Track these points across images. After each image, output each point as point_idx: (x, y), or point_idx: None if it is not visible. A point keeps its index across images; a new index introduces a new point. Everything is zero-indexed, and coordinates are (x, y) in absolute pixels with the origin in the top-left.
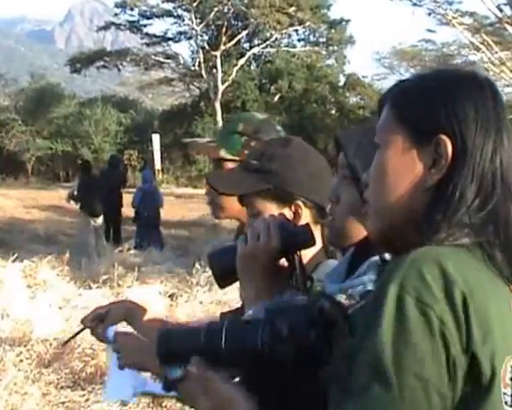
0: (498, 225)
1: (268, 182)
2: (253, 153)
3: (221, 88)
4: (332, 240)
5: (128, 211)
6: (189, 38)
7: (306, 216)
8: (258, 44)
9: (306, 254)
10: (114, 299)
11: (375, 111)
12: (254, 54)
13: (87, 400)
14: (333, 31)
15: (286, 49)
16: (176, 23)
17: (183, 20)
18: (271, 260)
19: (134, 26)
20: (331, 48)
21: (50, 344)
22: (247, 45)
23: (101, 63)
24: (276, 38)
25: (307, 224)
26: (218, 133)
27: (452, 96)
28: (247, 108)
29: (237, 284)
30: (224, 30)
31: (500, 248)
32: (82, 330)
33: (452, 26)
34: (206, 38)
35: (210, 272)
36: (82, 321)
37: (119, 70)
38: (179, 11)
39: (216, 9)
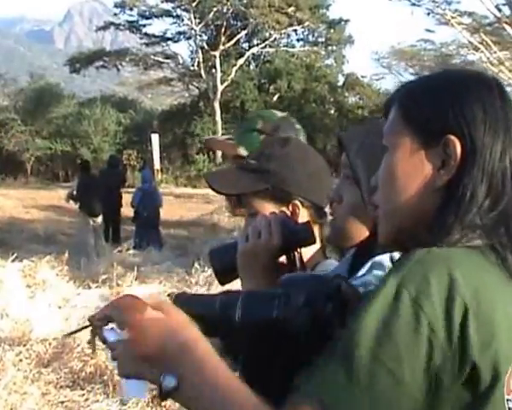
0: (510, 226)
1: (266, 182)
2: (251, 153)
3: (220, 88)
4: (333, 240)
5: (127, 211)
6: (189, 38)
7: (304, 216)
8: (258, 44)
9: (305, 254)
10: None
11: (374, 110)
12: (253, 54)
13: (86, 399)
14: (332, 31)
15: (285, 49)
16: (175, 23)
17: (183, 20)
18: (272, 257)
19: (133, 26)
20: (330, 48)
21: (50, 344)
22: (246, 45)
23: (101, 63)
24: (275, 38)
25: (308, 221)
26: (237, 130)
27: (460, 96)
28: (246, 107)
29: (236, 283)
30: (223, 30)
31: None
32: (87, 326)
33: (451, 26)
34: (205, 37)
35: (209, 272)
36: (89, 319)
37: (118, 70)
38: (178, 11)
39: (215, 9)
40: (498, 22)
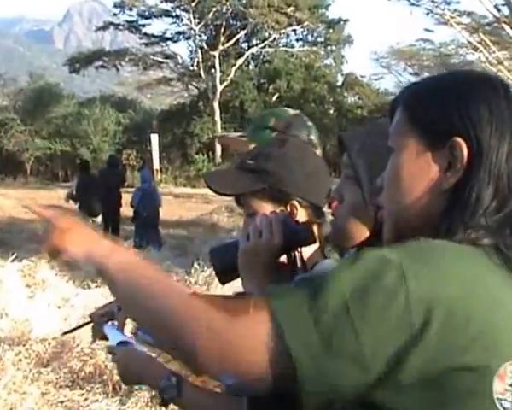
0: None
1: (264, 182)
2: (250, 153)
3: (219, 88)
4: (333, 240)
5: (127, 210)
6: (188, 38)
7: (302, 216)
8: (257, 44)
9: (304, 254)
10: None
11: (373, 110)
12: (253, 54)
13: (86, 399)
14: (331, 30)
15: (284, 48)
16: (174, 23)
17: (182, 20)
18: (273, 257)
19: (133, 26)
20: (329, 48)
21: (49, 343)
22: (245, 45)
23: (100, 63)
24: (275, 38)
25: (308, 221)
26: (250, 127)
27: (466, 97)
28: (246, 107)
29: (236, 283)
30: (222, 30)
31: None
32: (87, 323)
33: (450, 26)
34: (204, 37)
35: (208, 272)
36: (90, 316)
37: (117, 70)
38: (178, 11)
39: (214, 9)
40: (497, 22)
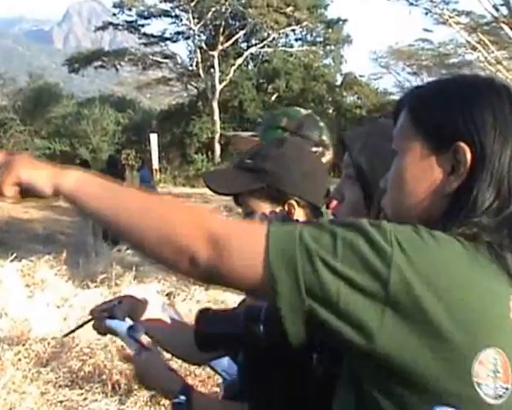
0: None
1: (262, 181)
2: (248, 152)
3: (218, 88)
4: None
5: None
6: (187, 38)
7: (300, 215)
8: (256, 44)
9: None
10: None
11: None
12: (252, 53)
13: (85, 399)
14: (330, 30)
15: (283, 48)
16: (173, 23)
17: (181, 20)
18: None
19: (132, 26)
20: (328, 47)
21: (48, 343)
22: (244, 45)
23: (99, 63)
24: (274, 38)
25: (306, 221)
26: (261, 127)
27: (470, 102)
28: (245, 107)
29: None
30: (221, 30)
31: None
32: (89, 320)
33: (449, 26)
34: (203, 37)
35: None
36: (91, 312)
37: (116, 70)
38: (177, 11)
39: (213, 9)
40: (496, 22)
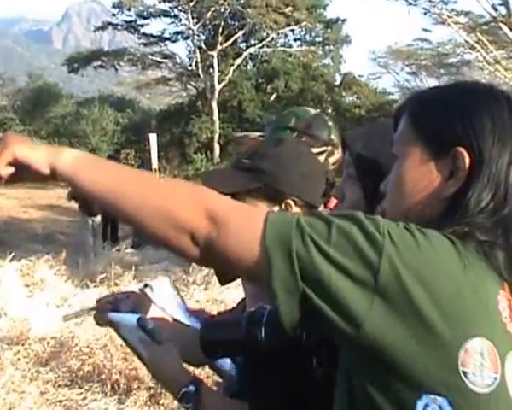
0: (509, 230)
1: (259, 180)
2: (246, 152)
3: (218, 87)
4: None
5: None
6: (186, 38)
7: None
8: (255, 44)
9: None
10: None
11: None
12: (251, 53)
13: (84, 398)
14: (329, 30)
15: (282, 48)
16: (173, 23)
17: (180, 20)
18: None
19: (131, 26)
20: (327, 47)
21: (48, 343)
22: (243, 45)
23: (99, 63)
24: (273, 38)
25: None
26: (270, 127)
27: (470, 108)
28: (244, 107)
29: (234, 283)
30: (220, 30)
31: (506, 252)
32: (93, 309)
33: (448, 26)
34: (202, 37)
35: (206, 271)
36: (97, 301)
37: (116, 70)
38: (176, 11)
39: (213, 9)
40: (494, 21)
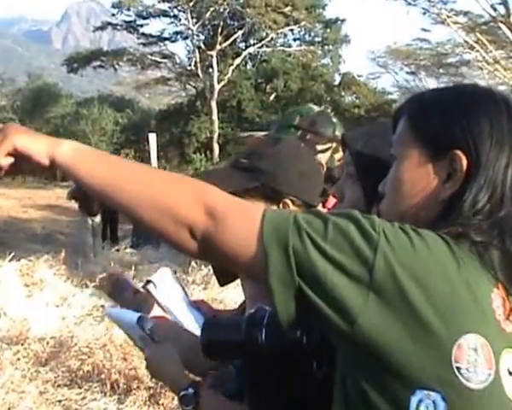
0: (505, 231)
1: (257, 180)
2: (244, 152)
3: (217, 87)
4: None
5: None
6: (186, 38)
7: None
8: (254, 44)
9: None
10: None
11: (370, 109)
12: (250, 53)
13: (84, 398)
14: (328, 30)
15: (281, 48)
16: (172, 23)
17: (180, 20)
18: None
19: (130, 26)
20: (326, 47)
21: (47, 343)
22: (242, 45)
23: (98, 63)
24: (272, 38)
25: None
26: (274, 126)
27: (468, 111)
28: (243, 107)
29: (233, 283)
30: (219, 30)
31: (501, 252)
32: (97, 287)
33: (447, 25)
34: (202, 37)
35: (205, 271)
36: (110, 274)
37: (115, 70)
38: (175, 11)
39: (212, 9)
40: (494, 21)
